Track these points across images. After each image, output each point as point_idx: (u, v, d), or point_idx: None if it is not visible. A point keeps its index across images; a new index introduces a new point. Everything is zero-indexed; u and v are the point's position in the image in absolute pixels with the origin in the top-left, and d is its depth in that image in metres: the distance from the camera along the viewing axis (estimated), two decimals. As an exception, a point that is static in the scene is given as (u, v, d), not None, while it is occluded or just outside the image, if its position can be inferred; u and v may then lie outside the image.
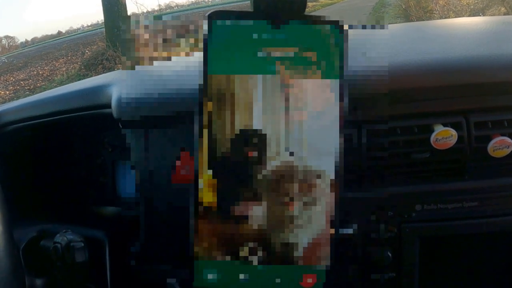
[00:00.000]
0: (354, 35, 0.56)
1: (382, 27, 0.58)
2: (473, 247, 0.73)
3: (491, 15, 5.35)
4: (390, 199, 0.68)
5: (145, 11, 9.40)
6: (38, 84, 8.46)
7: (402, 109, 0.66)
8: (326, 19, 0.55)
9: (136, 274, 0.70)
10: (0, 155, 0.97)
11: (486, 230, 0.69)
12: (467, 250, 0.73)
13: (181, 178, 0.65)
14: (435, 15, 6.23)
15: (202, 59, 0.55)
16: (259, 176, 0.55)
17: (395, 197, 0.68)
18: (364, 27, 0.57)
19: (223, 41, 0.54)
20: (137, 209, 0.70)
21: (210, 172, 0.55)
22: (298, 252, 0.56)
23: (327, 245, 0.56)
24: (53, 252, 0.79)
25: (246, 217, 0.55)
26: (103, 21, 8.34)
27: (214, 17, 0.54)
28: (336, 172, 0.55)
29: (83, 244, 0.79)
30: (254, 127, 0.55)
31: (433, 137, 0.65)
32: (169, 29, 0.60)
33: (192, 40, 0.59)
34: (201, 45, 0.55)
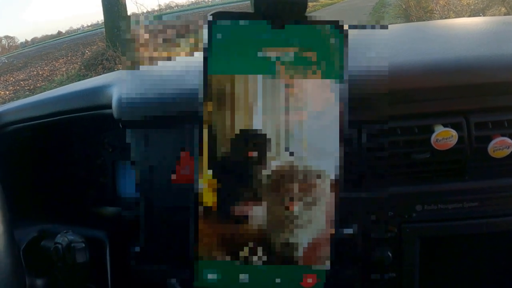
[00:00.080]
0: (354, 35, 0.56)
1: (382, 27, 0.58)
2: (473, 247, 0.73)
3: (492, 15, 5.34)
4: (390, 199, 0.68)
5: (145, 11, 9.40)
6: (38, 84, 8.46)
7: (402, 110, 0.66)
8: (327, 21, 0.55)
9: (137, 274, 0.70)
10: (1, 156, 0.97)
11: (486, 230, 0.69)
12: (467, 250, 0.73)
13: (181, 178, 0.65)
14: (435, 15, 6.23)
15: (202, 59, 0.55)
16: (259, 176, 0.55)
17: (396, 197, 0.68)
18: (364, 27, 0.57)
19: (224, 42, 0.54)
20: (137, 210, 0.70)
21: (210, 172, 0.55)
22: (298, 252, 0.56)
23: (327, 245, 0.57)
24: (54, 253, 0.79)
25: (246, 217, 0.55)
26: (103, 21, 8.34)
27: (215, 17, 0.54)
28: (336, 172, 0.55)
29: (84, 245, 0.79)
30: (254, 127, 0.55)
31: (433, 138, 0.65)
32: (169, 29, 0.60)
33: (192, 40, 0.60)
34: (201, 45, 0.55)
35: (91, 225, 0.94)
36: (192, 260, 0.57)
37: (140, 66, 0.62)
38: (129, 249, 0.69)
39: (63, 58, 11.15)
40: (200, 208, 0.55)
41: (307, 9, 0.57)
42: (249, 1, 0.58)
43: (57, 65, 10.39)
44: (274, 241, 0.56)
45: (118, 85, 0.80)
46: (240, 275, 0.57)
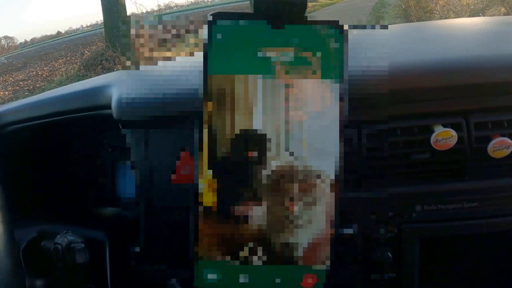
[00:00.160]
0: (354, 35, 0.56)
1: (382, 27, 0.58)
2: (473, 247, 0.73)
3: (491, 16, 5.35)
4: (390, 199, 0.68)
5: (144, 12, 9.40)
6: (37, 85, 8.46)
7: (402, 110, 0.66)
8: (327, 21, 0.55)
9: (137, 275, 0.69)
10: (0, 156, 0.97)
11: (486, 230, 0.69)
12: (467, 250, 0.73)
13: (181, 178, 0.65)
14: (435, 15, 6.23)
15: (202, 60, 0.55)
16: (259, 177, 0.55)
17: (395, 197, 0.68)
18: (364, 27, 0.57)
19: (224, 42, 0.54)
20: (137, 210, 0.70)
21: (210, 172, 0.55)
22: (298, 252, 0.56)
23: (327, 245, 0.57)
24: (54, 253, 0.79)
25: (246, 218, 0.55)
26: (103, 21, 8.33)
27: (215, 18, 0.54)
28: (336, 172, 0.55)
29: (83, 245, 0.79)
30: (254, 128, 0.55)
31: (433, 138, 0.65)
32: (169, 29, 0.60)
33: (192, 40, 0.60)
34: (201, 45, 0.55)
35: (90, 225, 0.94)
36: (192, 260, 0.57)
37: (140, 66, 0.62)
38: (129, 250, 0.69)
39: (62, 59, 11.14)
40: (200, 208, 0.55)
41: (307, 9, 0.57)
42: (248, 2, 0.58)
43: (56, 65, 10.39)
44: (274, 241, 0.56)
45: (118, 86, 0.80)
46: (240, 275, 0.57)
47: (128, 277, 0.72)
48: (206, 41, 0.54)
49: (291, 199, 0.55)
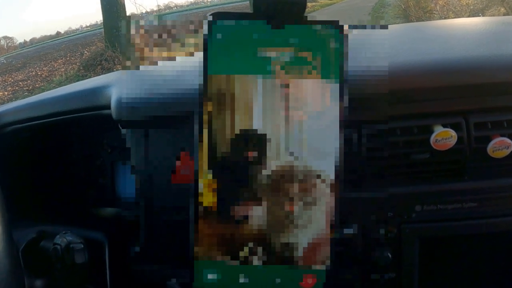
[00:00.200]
0: (354, 35, 0.56)
1: (382, 27, 0.58)
2: (473, 247, 0.73)
3: (491, 16, 5.35)
4: (390, 199, 0.68)
5: (144, 12, 9.39)
6: (37, 85, 8.45)
7: (402, 110, 0.66)
8: (326, 21, 0.55)
9: (136, 275, 0.69)
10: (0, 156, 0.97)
11: (486, 230, 0.69)
12: (466, 250, 0.73)
13: (181, 179, 0.65)
14: (435, 15, 6.24)
15: (201, 60, 0.55)
16: (259, 177, 0.55)
17: (395, 197, 0.68)
18: (363, 27, 0.57)
19: (223, 42, 0.54)
20: (137, 210, 0.70)
21: (210, 172, 0.55)
22: (298, 253, 0.56)
23: (327, 246, 0.56)
24: (53, 253, 0.79)
25: (246, 218, 0.55)
26: (102, 21, 8.33)
27: (215, 18, 0.54)
28: (336, 172, 0.55)
29: (82, 246, 0.79)
30: (254, 128, 0.55)
31: (432, 138, 0.65)
32: (169, 29, 0.60)
33: (192, 41, 0.59)
34: (201, 45, 0.55)
35: (90, 225, 0.94)
36: (192, 260, 0.57)
37: (140, 66, 0.62)
38: (128, 250, 0.69)
39: (62, 59, 11.13)
40: (200, 208, 0.55)
41: (307, 9, 0.57)
42: (248, 2, 0.58)
43: (56, 65, 10.38)
44: (274, 241, 0.56)
45: (117, 86, 0.80)
46: (240, 275, 0.57)
47: (127, 278, 0.72)
48: (206, 41, 0.54)
49: (291, 199, 0.55)
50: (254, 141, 0.55)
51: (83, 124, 0.95)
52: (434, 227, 0.69)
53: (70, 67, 9.36)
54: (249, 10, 0.57)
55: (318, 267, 0.57)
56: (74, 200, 1.02)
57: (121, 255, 0.87)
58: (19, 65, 12.19)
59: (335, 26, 0.55)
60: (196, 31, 0.58)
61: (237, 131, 0.54)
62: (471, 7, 6.10)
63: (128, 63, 0.61)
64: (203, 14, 0.57)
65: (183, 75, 0.63)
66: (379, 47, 0.58)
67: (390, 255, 0.69)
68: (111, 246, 0.90)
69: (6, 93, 8.26)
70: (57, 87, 1.20)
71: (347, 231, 0.66)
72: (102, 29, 8.69)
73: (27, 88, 8.38)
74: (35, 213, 0.98)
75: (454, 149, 0.66)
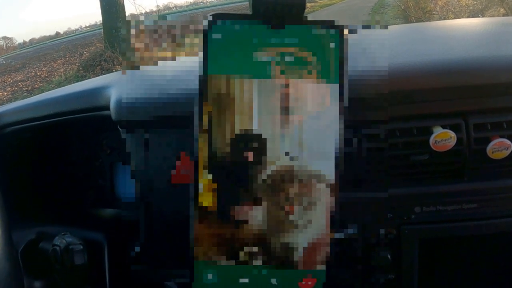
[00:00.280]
0: (353, 36, 0.56)
1: (382, 28, 0.58)
2: (473, 248, 0.73)
3: (490, 16, 5.36)
4: (390, 200, 0.68)
5: (143, 12, 9.40)
6: (36, 85, 8.45)
7: (401, 111, 0.66)
8: (325, 22, 0.55)
9: (135, 276, 0.69)
10: (-1, 157, 0.97)
11: (486, 231, 0.69)
12: (466, 252, 0.73)
13: (181, 178, 0.65)
14: (434, 16, 6.24)
15: (200, 61, 0.55)
16: (258, 178, 0.55)
17: (395, 198, 0.68)
18: (363, 28, 0.57)
19: (222, 43, 0.54)
20: (136, 211, 0.70)
21: (210, 173, 0.55)
22: (298, 254, 0.56)
23: (327, 247, 0.56)
24: (52, 255, 0.79)
25: (245, 220, 0.55)
26: (101, 22, 8.32)
27: (214, 19, 0.54)
28: (336, 174, 0.55)
29: (82, 247, 0.79)
30: (253, 129, 0.55)
31: (432, 139, 0.65)
32: (169, 30, 0.60)
33: (191, 41, 0.59)
34: (200, 46, 0.55)
35: (89, 227, 0.94)
36: (191, 262, 0.56)
37: (139, 67, 0.62)
38: (127, 251, 0.69)
39: (61, 59, 11.13)
40: (200, 209, 0.55)
41: (306, 10, 0.56)
42: (247, 2, 0.58)
43: (55, 66, 10.37)
44: (273, 242, 0.56)
45: (117, 87, 0.80)
46: (239, 276, 0.57)
47: (126, 279, 0.72)
48: (206, 42, 0.54)
49: (290, 201, 0.55)
50: (254, 142, 0.55)
51: (82, 125, 0.95)
52: (433, 228, 0.69)
53: (69, 67, 9.35)
54: (248, 11, 0.57)
55: (317, 267, 0.57)
56: (73, 201, 1.02)
57: (121, 256, 0.87)
58: (18, 66, 12.19)
59: (334, 27, 0.55)
60: (196, 32, 0.58)
61: (237, 132, 0.54)
62: (471, 7, 6.11)
63: (127, 63, 0.61)
64: (202, 14, 0.57)
65: (182, 76, 0.63)
66: (378, 48, 0.58)
67: (389, 256, 0.69)
68: (110, 247, 0.89)
69: (5, 93, 8.25)
70: (56, 88, 1.20)
71: (346, 232, 0.66)
72: (102, 30, 8.69)
73: (26, 88, 8.38)
74: (34, 214, 0.98)
75: (453, 150, 0.66)
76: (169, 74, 0.64)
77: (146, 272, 0.70)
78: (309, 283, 0.57)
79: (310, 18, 0.56)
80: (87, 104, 0.86)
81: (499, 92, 0.66)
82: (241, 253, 0.56)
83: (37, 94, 1.14)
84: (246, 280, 0.57)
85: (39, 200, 1.00)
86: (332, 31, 0.55)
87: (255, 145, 0.54)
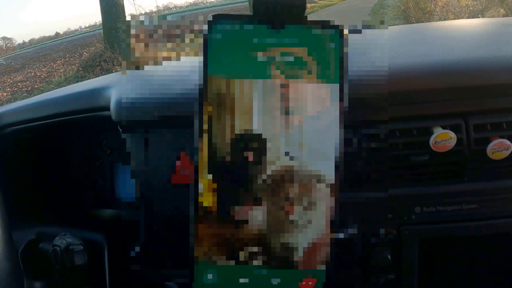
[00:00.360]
0: (353, 37, 0.56)
1: (382, 28, 0.58)
2: (473, 249, 0.73)
3: (490, 17, 5.36)
4: (390, 201, 0.68)
5: (143, 13, 9.39)
6: (36, 86, 8.44)
7: (401, 111, 0.66)
8: (325, 22, 0.55)
9: (135, 277, 0.69)
10: (-2, 158, 0.97)
11: (486, 232, 0.69)
12: (466, 252, 0.73)
13: (181, 178, 0.65)
14: (434, 16, 6.25)
15: (201, 61, 0.55)
16: (259, 179, 0.55)
17: (395, 199, 0.68)
18: (363, 28, 0.57)
19: (223, 44, 0.54)
20: (136, 211, 0.70)
21: (209, 174, 0.55)
22: (298, 254, 0.56)
23: (327, 247, 0.56)
24: (52, 255, 0.79)
25: (245, 220, 0.55)
26: (101, 22, 8.32)
27: (214, 20, 0.54)
28: (336, 174, 0.55)
29: (82, 247, 0.79)
30: (253, 129, 0.55)
31: (432, 140, 0.65)
32: (168, 30, 0.60)
33: (191, 42, 0.59)
34: (200, 46, 0.55)
35: (89, 227, 0.94)
36: (191, 262, 0.56)
37: (139, 67, 0.62)
38: (127, 252, 0.69)
39: (61, 60, 11.12)
40: (200, 209, 0.55)
41: (306, 11, 0.57)
42: (247, 3, 0.58)
43: (55, 66, 10.37)
44: (274, 243, 0.56)
45: (117, 87, 0.80)
46: (240, 276, 0.57)
47: (126, 279, 0.72)
48: (206, 42, 0.54)
49: (291, 201, 0.55)
50: (254, 142, 0.55)
51: (82, 125, 0.95)
52: (433, 229, 0.69)
53: (69, 68, 9.35)
54: (249, 11, 0.57)
55: (318, 268, 0.57)
56: (73, 201, 1.02)
57: (121, 256, 0.87)
58: (18, 66, 12.18)
59: (334, 27, 0.55)
60: (196, 32, 0.58)
61: (237, 132, 0.54)
62: (471, 8, 6.11)
63: (127, 63, 0.61)
64: (202, 14, 0.57)
65: (182, 76, 0.63)
66: (378, 49, 0.58)
67: (389, 257, 0.69)
68: (110, 247, 0.89)
69: (5, 94, 8.25)
70: (56, 88, 1.20)
71: (346, 232, 0.66)
72: (101, 30, 8.69)
73: (26, 89, 8.37)
74: (34, 214, 0.98)
75: (453, 151, 0.66)
76: (169, 74, 0.64)
77: (146, 272, 0.70)
78: (309, 283, 0.57)
79: (310, 18, 0.56)
80: (87, 104, 0.86)
81: (499, 92, 0.66)
82: (241, 253, 0.56)
83: (36, 95, 1.14)
84: (246, 280, 0.57)
85: (39, 200, 1.00)
86: (332, 32, 0.55)
87: (255, 145, 0.54)
